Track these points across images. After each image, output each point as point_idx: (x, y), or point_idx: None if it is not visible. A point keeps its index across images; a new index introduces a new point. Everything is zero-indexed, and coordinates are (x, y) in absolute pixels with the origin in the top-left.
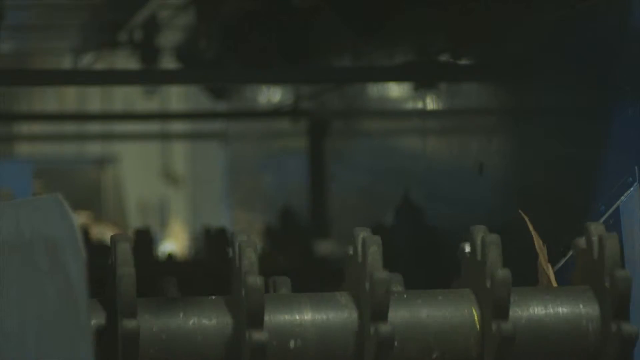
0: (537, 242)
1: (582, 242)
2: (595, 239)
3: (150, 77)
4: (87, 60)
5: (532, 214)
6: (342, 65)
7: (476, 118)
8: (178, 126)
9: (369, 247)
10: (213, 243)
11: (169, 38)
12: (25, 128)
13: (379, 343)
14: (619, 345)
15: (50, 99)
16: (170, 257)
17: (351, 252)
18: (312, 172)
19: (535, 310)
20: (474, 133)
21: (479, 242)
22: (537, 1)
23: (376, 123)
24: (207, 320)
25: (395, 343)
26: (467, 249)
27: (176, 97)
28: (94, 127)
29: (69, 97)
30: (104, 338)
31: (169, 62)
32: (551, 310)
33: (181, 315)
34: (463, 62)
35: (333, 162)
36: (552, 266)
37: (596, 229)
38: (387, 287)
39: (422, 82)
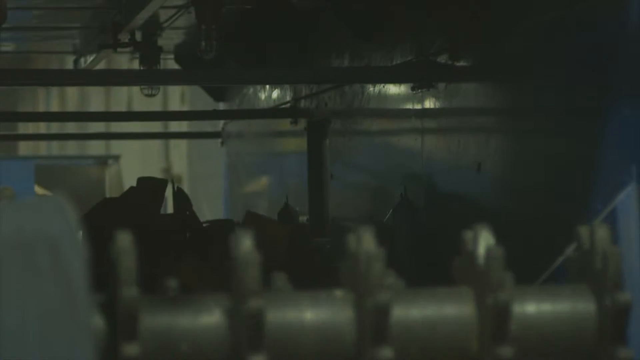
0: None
1: (584, 241)
2: (598, 244)
3: (151, 77)
4: (89, 61)
5: (530, 212)
6: (341, 66)
7: (474, 118)
8: (178, 126)
9: (368, 251)
10: None
11: (169, 39)
12: (28, 127)
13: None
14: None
15: (53, 98)
16: None
17: (351, 250)
18: (312, 172)
19: (534, 308)
20: (472, 132)
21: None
22: (537, 1)
23: (375, 123)
24: (208, 319)
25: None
26: None
27: (177, 97)
28: (96, 127)
29: (71, 97)
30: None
31: (169, 63)
32: (550, 308)
33: (182, 313)
34: (462, 62)
35: (332, 162)
36: (550, 264)
37: (601, 233)
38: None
39: (421, 82)
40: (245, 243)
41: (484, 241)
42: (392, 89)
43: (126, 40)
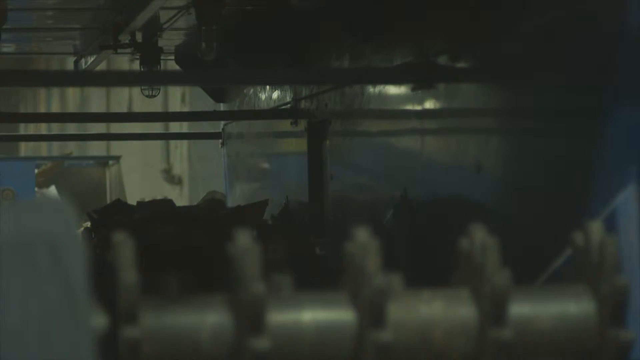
0: None
1: (579, 240)
2: (592, 239)
3: (151, 78)
4: (90, 62)
5: (530, 212)
6: (341, 66)
7: (474, 118)
8: (179, 126)
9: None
10: None
11: (170, 40)
12: (29, 128)
13: (377, 340)
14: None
15: (54, 99)
16: None
17: (351, 251)
18: (312, 173)
19: (534, 308)
20: (472, 133)
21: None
22: (537, 1)
23: (375, 124)
24: (208, 320)
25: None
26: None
27: (177, 98)
28: (97, 127)
29: (72, 98)
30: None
31: (170, 64)
32: (549, 309)
33: (182, 313)
34: (461, 63)
35: (332, 163)
36: (550, 264)
37: (595, 228)
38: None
39: (421, 83)
40: (244, 236)
41: (481, 239)
42: (392, 89)
43: (127, 41)
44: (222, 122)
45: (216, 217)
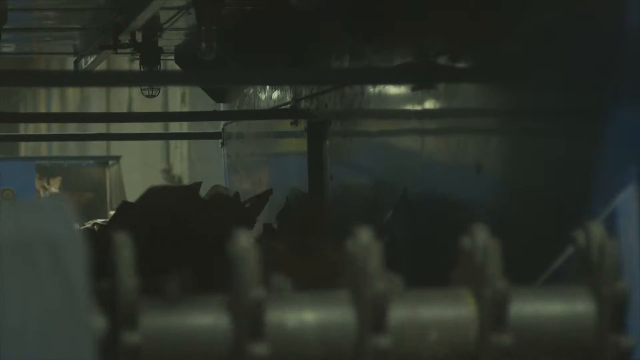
0: None
1: (579, 241)
2: (593, 240)
3: (151, 78)
4: (90, 62)
5: (530, 213)
6: (341, 66)
7: (474, 118)
8: (179, 127)
9: (368, 247)
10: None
11: (170, 40)
12: (29, 128)
13: (377, 340)
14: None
15: (54, 99)
16: None
17: (352, 251)
18: (312, 173)
19: (533, 308)
20: (472, 133)
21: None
22: (537, 1)
23: (375, 124)
24: (208, 321)
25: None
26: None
27: (177, 98)
28: (97, 127)
29: (72, 98)
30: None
31: (170, 64)
32: (549, 309)
33: (182, 315)
34: (462, 63)
35: (332, 163)
36: (550, 264)
37: (594, 229)
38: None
39: (421, 83)
40: (244, 237)
41: (482, 240)
42: (392, 89)
43: (127, 41)
44: (222, 122)
45: (221, 210)
